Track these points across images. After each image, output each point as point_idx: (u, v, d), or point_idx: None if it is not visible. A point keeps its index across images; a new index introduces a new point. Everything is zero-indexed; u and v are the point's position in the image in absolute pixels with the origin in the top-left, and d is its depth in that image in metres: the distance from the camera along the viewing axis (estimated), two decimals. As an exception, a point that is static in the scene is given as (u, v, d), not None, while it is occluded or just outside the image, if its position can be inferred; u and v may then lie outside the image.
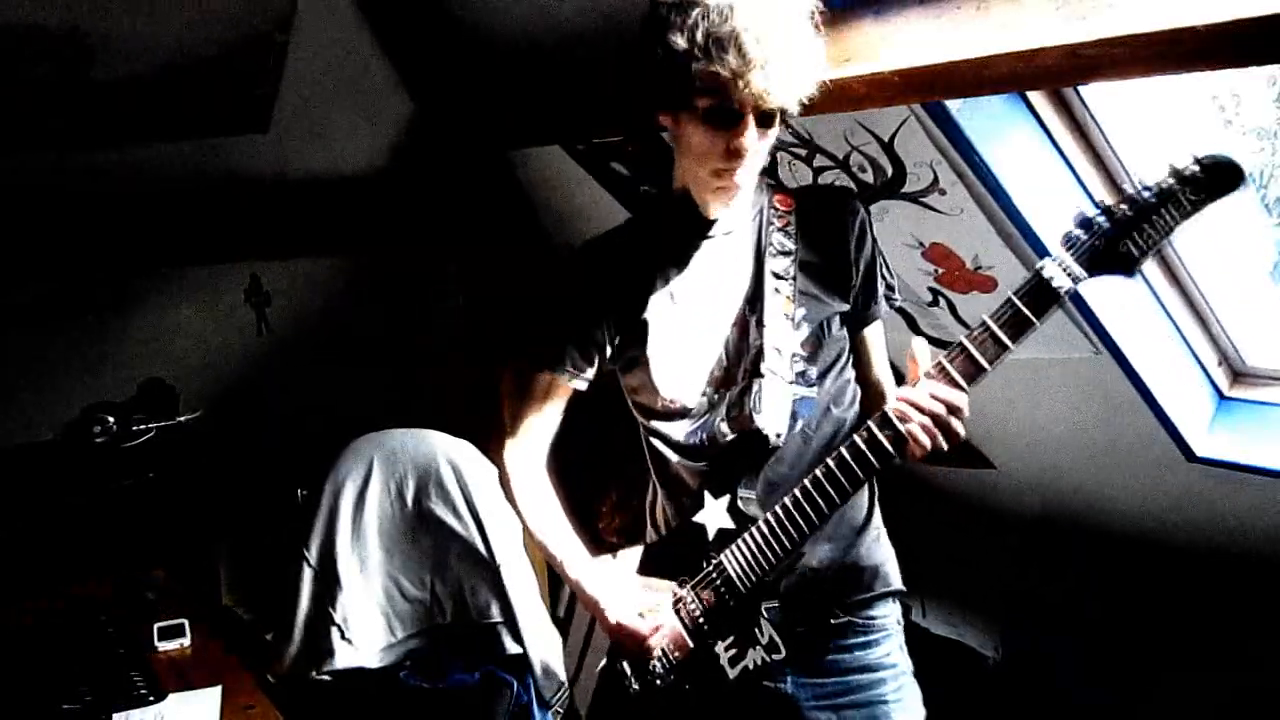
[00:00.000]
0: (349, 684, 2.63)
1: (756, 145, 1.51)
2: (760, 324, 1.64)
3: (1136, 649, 3.04)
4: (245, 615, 3.51)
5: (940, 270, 2.39)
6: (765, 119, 1.50)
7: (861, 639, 1.72)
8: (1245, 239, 2.54)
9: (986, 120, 1.98)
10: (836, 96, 1.84)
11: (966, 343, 1.42)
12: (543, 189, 3.82)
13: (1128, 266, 1.36)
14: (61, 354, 3.33)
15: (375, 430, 2.75)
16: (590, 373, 1.76)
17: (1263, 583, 2.73)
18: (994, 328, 1.40)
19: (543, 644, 2.70)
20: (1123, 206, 1.34)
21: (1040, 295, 1.38)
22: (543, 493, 1.80)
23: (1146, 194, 1.33)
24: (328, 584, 2.61)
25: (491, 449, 2.80)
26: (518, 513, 1.81)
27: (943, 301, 2.49)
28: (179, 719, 2.05)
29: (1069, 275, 1.37)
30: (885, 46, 1.76)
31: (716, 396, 1.67)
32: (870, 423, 1.50)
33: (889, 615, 1.76)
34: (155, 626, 2.41)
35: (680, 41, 1.43)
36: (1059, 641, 3.27)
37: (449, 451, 2.69)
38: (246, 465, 3.52)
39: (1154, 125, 2.26)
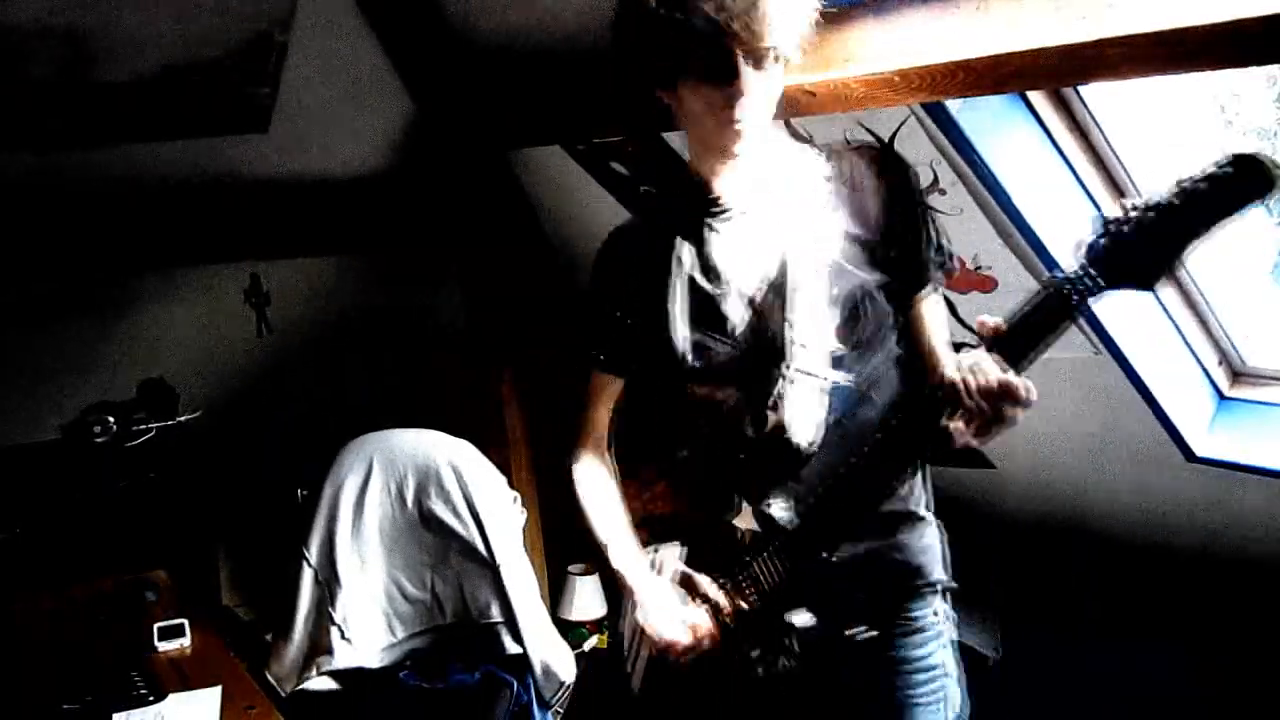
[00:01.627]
0: (349, 684, 2.63)
1: (756, 88, 1.43)
2: (784, 311, 1.55)
3: (1136, 648, 3.04)
4: (245, 615, 3.51)
5: (940, 270, 2.39)
6: (759, 59, 1.42)
7: (898, 637, 1.63)
8: (1245, 239, 2.55)
9: (986, 120, 1.99)
10: (836, 96, 1.86)
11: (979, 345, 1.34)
12: (543, 189, 3.82)
13: (1146, 280, 1.26)
14: (61, 354, 3.33)
15: (375, 430, 2.75)
16: (629, 364, 1.78)
17: (1263, 582, 2.73)
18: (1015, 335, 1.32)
19: (543, 644, 2.70)
20: (1149, 213, 1.22)
21: (1055, 308, 1.29)
22: (596, 481, 1.83)
23: (1167, 198, 1.21)
24: (328, 584, 2.61)
25: (490, 451, 2.81)
26: (580, 503, 1.83)
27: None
28: (179, 719, 2.05)
29: (1087, 286, 1.27)
30: (886, 46, 1.75)
31: (742, 387, 1.60)
32: (919, 403, 1.40)
33: (928, 611, 1.65)
34: (155, 626, 2.41)
35: (660, 6, 1.39)
36: (1059, 641, 3.27)
37: (449, 451, 2.69)
38: (246, 465, 3.52)
39: (1154, 125, 2.26)
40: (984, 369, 1.32)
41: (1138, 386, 2.40)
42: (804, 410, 1.54)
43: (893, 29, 1.77)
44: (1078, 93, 2.07)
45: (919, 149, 2.09)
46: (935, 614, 1.66)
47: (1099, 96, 2.09)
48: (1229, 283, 2.41)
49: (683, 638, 1.62)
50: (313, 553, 2.63)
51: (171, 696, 2.10)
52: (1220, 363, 2.57)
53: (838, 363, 1.55)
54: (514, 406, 3.78)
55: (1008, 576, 3.42)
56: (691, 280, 1.63)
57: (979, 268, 2.31)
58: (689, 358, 1.62)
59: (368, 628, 2.64)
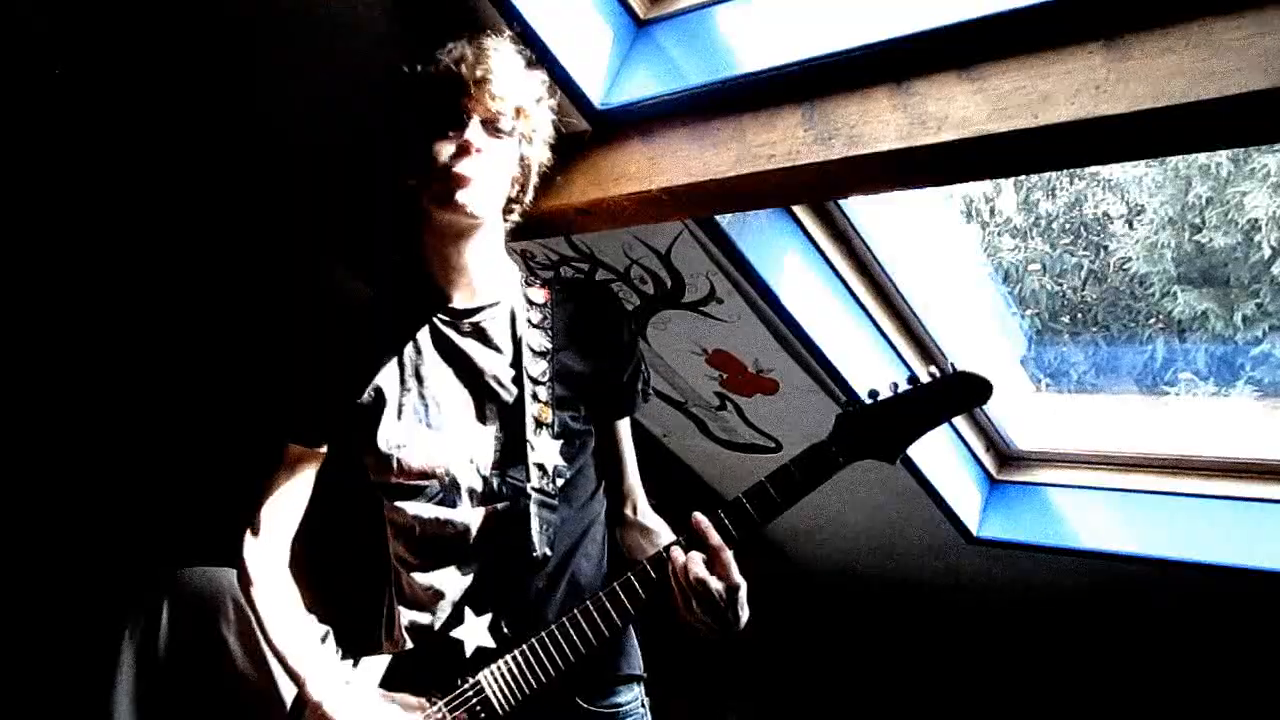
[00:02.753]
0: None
1: (487, 151, 1.55)
2: (520, 433, 1.61)
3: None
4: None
5: (724, 375, 2.47)
6: (493, 123, 1.56)
7: None
8: (997, 331, 2.75)
9: (755, 232, 2.08)
10: (610, 214, 1.91)
11: (743, 498, 1.52)
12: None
13: (889, 456, 1.54)
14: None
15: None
16: (330, 443, 1.68)
17: (1051, 648, 2.88)
18: (770, 490, 1.51)
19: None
20: (890, 402, 1.52)
21: (816, 465, 1.52)
22: (279, 583, 1.66)
23: (908, 393, 1.51)
24: None
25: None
26: (254, 614, 1.66)
27: (729, 405, 2.57)
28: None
29: (839, 456, 1.52)
30: (653, 167, 1.83)
31: (471, 500, 1.61)
32: (646, 563, 1.54)
33: (634, 700, 1.73)
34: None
35: (414, 85, 1.56)
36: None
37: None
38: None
39: (910, 230, 2.42)
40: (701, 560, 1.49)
41: (916, 476, 2.53)
42: (540, 527, 1.60)
43: (659, 151, 1.84)
44: (838, 205, 2.20)
45: (694, 261, 2.17)
46: (640, 703, 1.75)
47: (861, 207, 2.23)
48: (986, 373, 2.58)
49: None
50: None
51: None
52: (988, 449, 2.74)
53: (558, 481, 1.64)
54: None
55: (816, 670, 3.48)
56: (414, 379, 1.64)
57: (760, 371, 2.40)
58: (413, 452, 1.61)
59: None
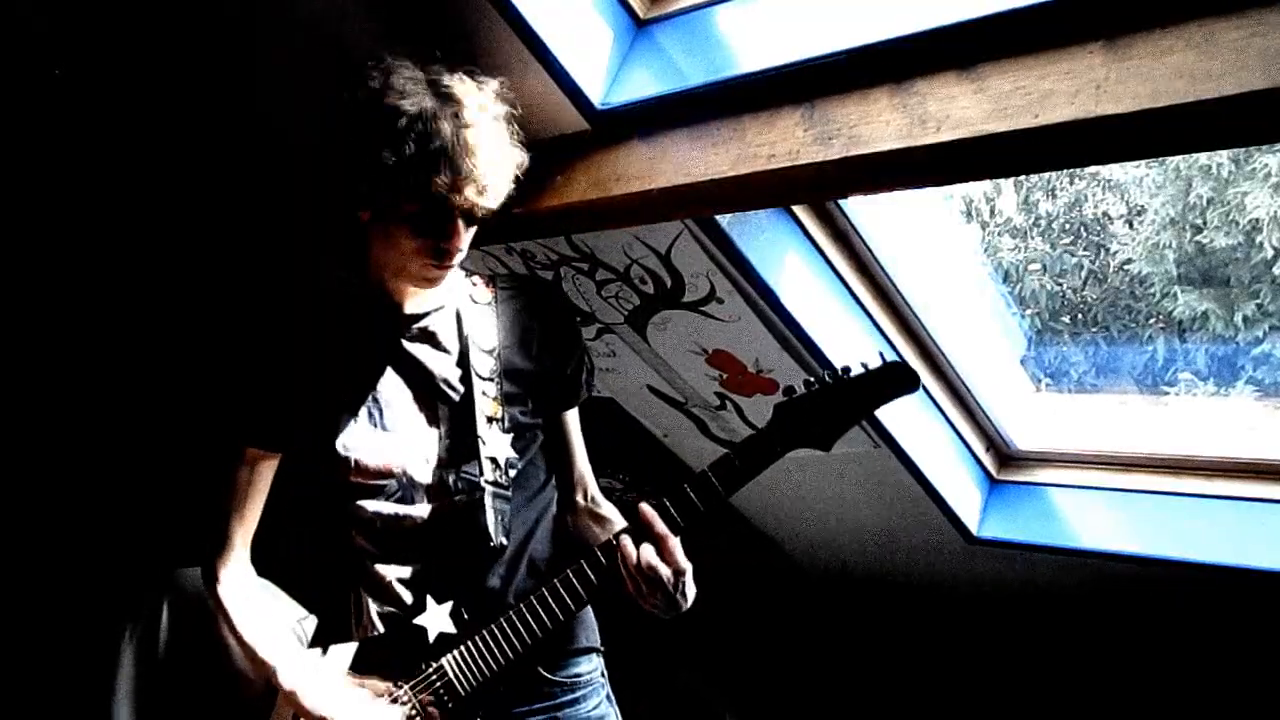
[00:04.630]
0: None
1: (465, 241, 1.54)
2: (471, 430, 1.65)
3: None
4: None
5: (724, 375, 2.47)
6: (474, 219, 1.53)
7: (569, 697, 1.73)
8: (997, 330, 2.74)
9: (755, 232, 2.09)
10: (611, 213, 1.92)
11: (686, 487, 1.56)
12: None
13: (824, 444, 1.59)
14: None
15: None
16: (286, 448, 1.70)
17: (1053, 650, 2.88)
18: (712, 479, 1.55)
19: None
20: (823, 393, 1.57)
21: (756, 455, 1.56)
22: (250, 599, 1.70)
23: (840, 383, 1.56)
24: None
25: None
26: (222, 610, 1.68)
27: (729, 405, 2.57)
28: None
29: (776, 446, 1.56)
30: (653, 167, 1.83)
31: (428, 496, 1.65)
32: (598, 550, 1.59)
33: (593, 670, 1.79)
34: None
35: (389, 155, 1.41)
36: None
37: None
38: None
39: (910, 230, 2.42)
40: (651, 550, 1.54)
41: (915, 476, 2.53)
42: (495, 516, 1.65)
43: (659, 150, 1.85)
44: (838, 205, 2.20)
45: (694, 261, 2.17)
46: (599, 673, 1.81)
47: (860, 207, 2.23)
48: (986, 372, 2.58)
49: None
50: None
51: None
52: (988, 449, 2.74)
53: (509, 472, 1.68)
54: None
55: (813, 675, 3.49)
56: (367, 385, 1.66)
57: (760, 371, 2.40)
58: (356, 463, 1.63)
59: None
